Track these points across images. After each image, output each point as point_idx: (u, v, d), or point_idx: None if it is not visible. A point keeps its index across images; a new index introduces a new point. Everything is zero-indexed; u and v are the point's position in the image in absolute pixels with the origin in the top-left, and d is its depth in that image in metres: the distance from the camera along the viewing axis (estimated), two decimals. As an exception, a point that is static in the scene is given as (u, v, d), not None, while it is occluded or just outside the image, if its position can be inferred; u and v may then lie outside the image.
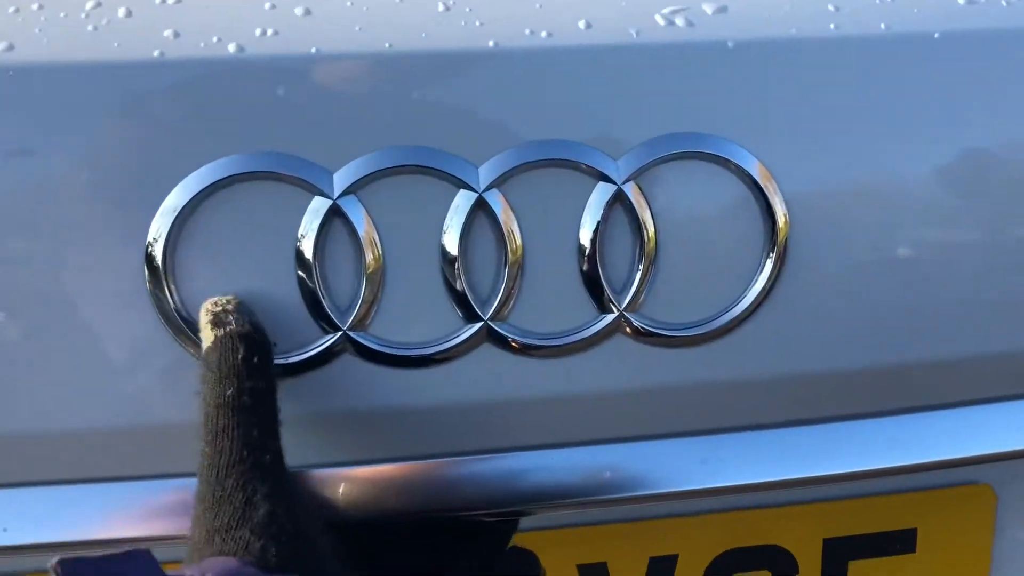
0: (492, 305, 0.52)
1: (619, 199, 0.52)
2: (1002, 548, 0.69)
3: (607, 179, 0.51)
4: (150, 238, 0.49)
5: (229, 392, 0.42)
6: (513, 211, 0.51)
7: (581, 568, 0.63)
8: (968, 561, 0.68)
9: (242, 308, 0.48)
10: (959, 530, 0.67)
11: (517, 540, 0.58)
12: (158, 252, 0.49)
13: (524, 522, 0.59)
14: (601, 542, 0.63)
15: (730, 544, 0.64)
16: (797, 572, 0.66)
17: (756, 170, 0.53)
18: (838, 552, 0.66)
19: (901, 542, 0.67)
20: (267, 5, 0.51)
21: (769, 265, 0.54)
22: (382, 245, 0.51)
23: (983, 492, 0.67)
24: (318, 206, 0.50)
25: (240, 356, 0.44)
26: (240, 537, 0.39)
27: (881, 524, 0.66)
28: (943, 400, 0.59)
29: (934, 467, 0.58)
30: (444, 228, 0.51)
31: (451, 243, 0.51)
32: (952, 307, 0.57)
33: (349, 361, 0.52)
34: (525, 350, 0.53)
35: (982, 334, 0.58)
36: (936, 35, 0.55)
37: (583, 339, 0.53)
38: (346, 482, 0.53)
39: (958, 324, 0.57)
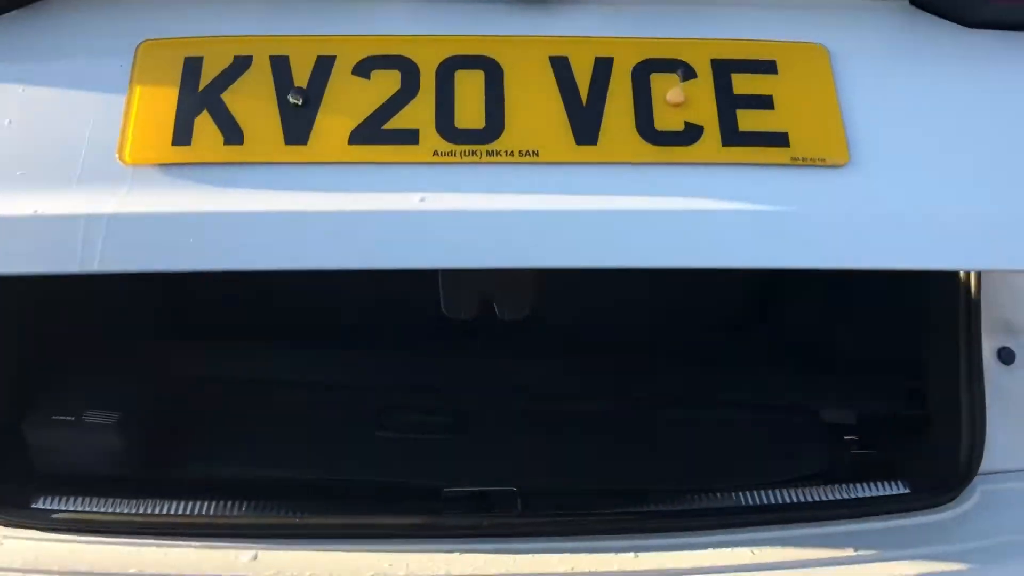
0: None
1: None
2: (844, 88, 1.00)
3: None
4: None
5: None
6: None
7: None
8: (816, 85, 0.99)
9: None
10: (805, 67, 1.00)
11: None
12: None
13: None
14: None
15: (645, 56, 0.99)
16: (696, 76, 0.98)
17: None
18: (722, 68, 0.99)
19: (767, 67, 0.99)
20: None
21: None
22: None
23: (816, 48, 1.01)
24: None
25: None
26: None
27: (749, 56, 1.00)
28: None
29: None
30: None
31: None
32: None
33: None
34: None
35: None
36: None
37: None
38: None
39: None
